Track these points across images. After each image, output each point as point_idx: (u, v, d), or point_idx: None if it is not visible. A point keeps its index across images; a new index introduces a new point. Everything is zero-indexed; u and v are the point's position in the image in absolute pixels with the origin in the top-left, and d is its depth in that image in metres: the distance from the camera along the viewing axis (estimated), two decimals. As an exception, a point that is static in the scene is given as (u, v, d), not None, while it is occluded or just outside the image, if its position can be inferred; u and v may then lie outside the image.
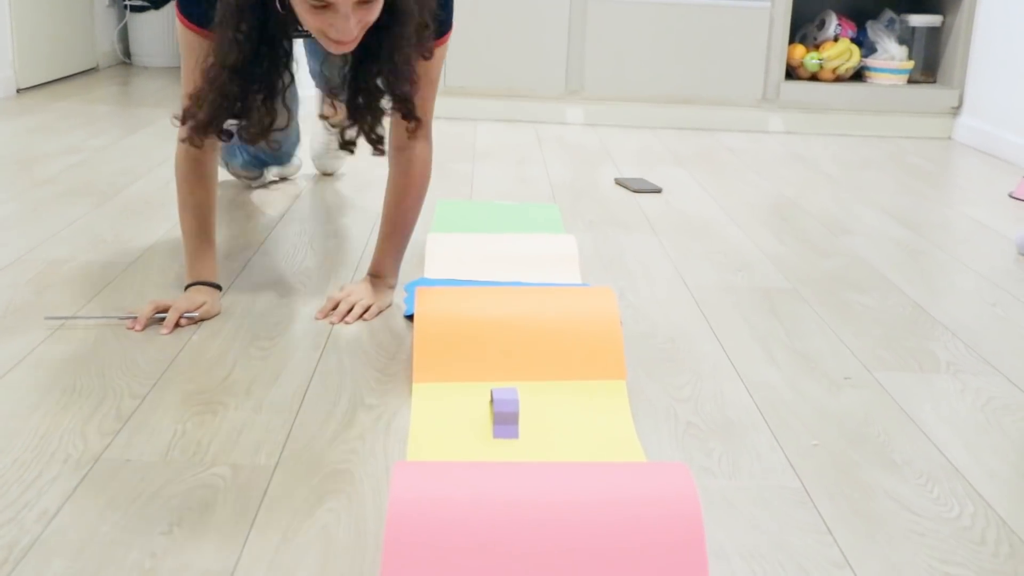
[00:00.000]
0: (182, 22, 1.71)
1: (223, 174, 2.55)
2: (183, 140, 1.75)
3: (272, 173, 2.80)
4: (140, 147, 3.29)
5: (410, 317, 1.83)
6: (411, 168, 1.89)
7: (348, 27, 1.54)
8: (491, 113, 4.18)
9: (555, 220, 2.54)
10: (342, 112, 1.83)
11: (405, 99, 1.74)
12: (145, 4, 5.22)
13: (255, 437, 1.38)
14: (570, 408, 1.48)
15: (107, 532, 1.15)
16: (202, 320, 1.78)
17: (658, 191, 3.00)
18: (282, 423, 1.43)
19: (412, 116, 1.78)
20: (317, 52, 2.33)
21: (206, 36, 1.67)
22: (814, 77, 4.25)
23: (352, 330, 1.78)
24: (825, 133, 4.21)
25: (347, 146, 1.83)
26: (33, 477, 1.26)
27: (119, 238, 2.28)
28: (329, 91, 2.22)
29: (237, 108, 1.69)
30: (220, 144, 1.85)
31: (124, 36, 5.36)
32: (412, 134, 1.83)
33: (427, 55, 1.74)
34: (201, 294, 1.81)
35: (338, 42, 1.57)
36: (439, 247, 2.12)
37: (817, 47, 4.22)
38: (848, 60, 4.17)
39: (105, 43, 5.16)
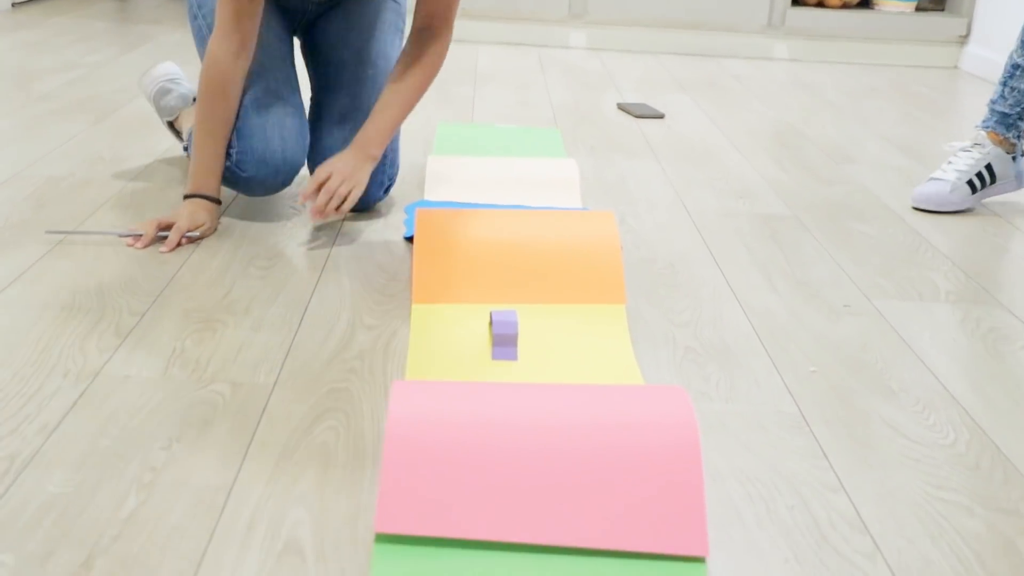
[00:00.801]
0: None
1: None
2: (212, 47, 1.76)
3: None
4: (138, 64, 3.25)
5: (410, 239, 1.82)
6: (428, 46, 1.84)
7: None
8: (493, 36, 4.13)
9: (556, 144, 2.52)
10: None
11: None
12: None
13: (254, 355, 1.39)
14: (569, 332, 1.48)
15: (107, 446, 1.15)
16: (201, 239, 1.77)
17: (660, 116, 2.97)
18: (281, 342, 1.43)
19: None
20: None
21: None
22: (821, 3, 4.19)
23: (351, 250, 1.77)
24: (830, 61, 4.17)
25: None
26: (33, 391, 1.26)
27: (117, 156, 2.26)
28: None
29: None
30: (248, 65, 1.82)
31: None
32: (436, 19, 1.82)
33: None
34: (201, 211, 1.79)
35: None
36: (440, 169, 2.10)
37: (825, -27, 4.17)
38: (856, -14, 4.12)
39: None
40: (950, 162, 2.22)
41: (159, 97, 2.17)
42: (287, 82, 1.88)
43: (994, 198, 2.30)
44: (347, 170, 1.77)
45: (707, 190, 2.27)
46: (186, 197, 1.81)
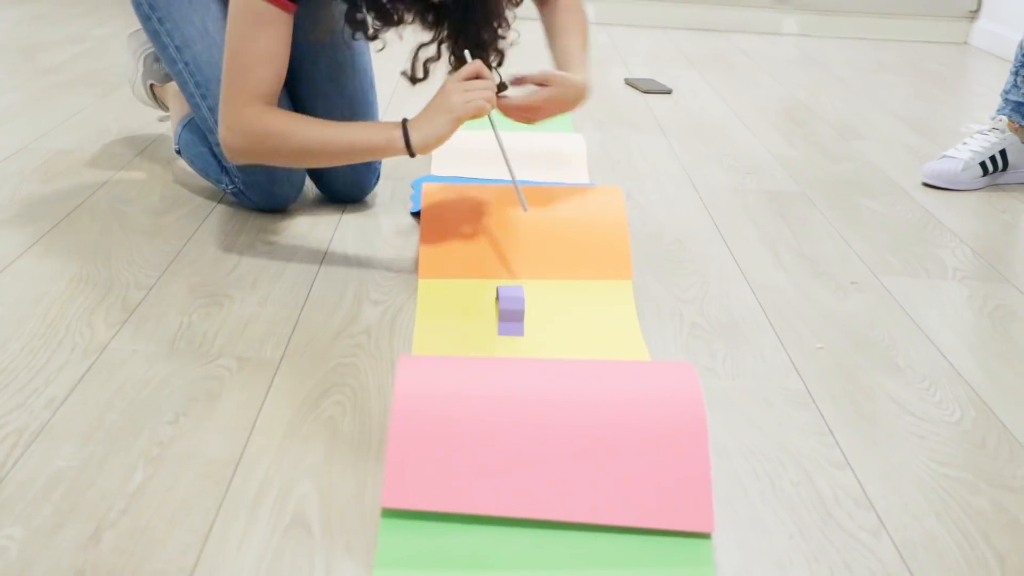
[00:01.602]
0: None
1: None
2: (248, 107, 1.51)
3: None
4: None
5: (416, 214, 1.81)
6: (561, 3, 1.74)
7: None
8: (501, 9, 4.11)
9: (564, 119, 2.51)
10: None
11: None
12: None
13: (261, 330, 1.39)
14: (576, 307, 1.48)
15: (114, 420, 1.15)
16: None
17: (668, 92, 2.96)
18: (287, 317, 1.43)
19: None
20: None
21: (290, 9, 1.48)
22: (831, -22, 4.16)
23: (358, 225, 1.77)
24: (840, 36, 4.14)
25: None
26: (41, 364, 1.26)
27: (124, 129, 2.26)
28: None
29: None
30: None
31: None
32: None
33: None
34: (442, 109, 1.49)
35: None
36: (446, 144, 2.09)
37: (835, -53, 4.13)
38: (866, -39, 4.08)
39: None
40: (965, 142, 2.21)
41: (152, 60, 2.11)
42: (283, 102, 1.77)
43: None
44: (569, 88, 1.59)
45: (715, 166, 2.26)
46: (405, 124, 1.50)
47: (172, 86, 2.03)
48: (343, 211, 1.83)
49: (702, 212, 1.95)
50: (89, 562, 0.93)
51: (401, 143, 1.46)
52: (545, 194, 1.64)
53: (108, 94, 2.55)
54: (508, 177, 1.51)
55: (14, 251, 1.59)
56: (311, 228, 1.75)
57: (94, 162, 2.03)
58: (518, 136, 2.16)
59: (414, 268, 1.60)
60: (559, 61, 1.68)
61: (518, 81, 1.58)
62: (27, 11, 3.60)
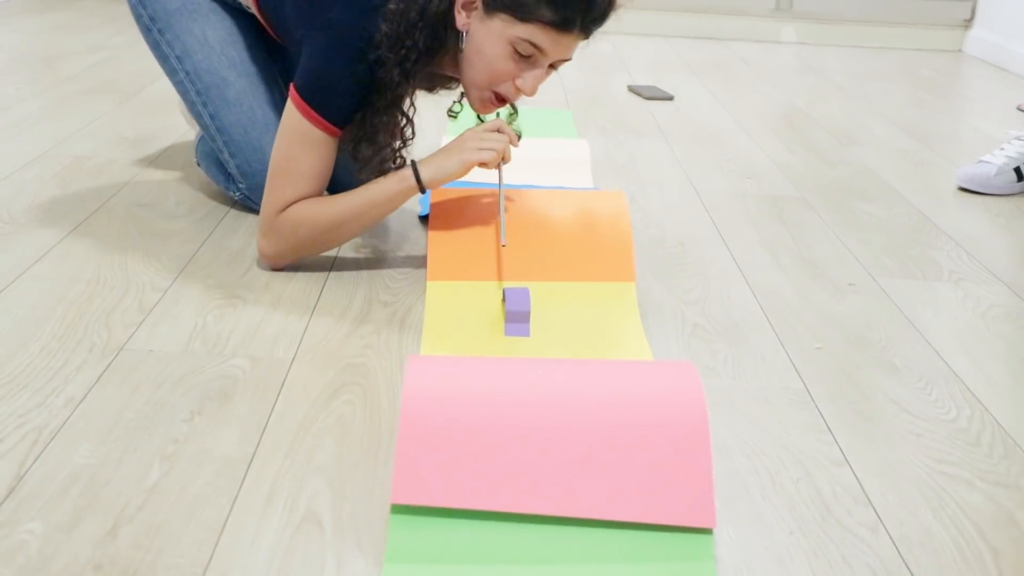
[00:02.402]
0: (320, 124, 1.48)
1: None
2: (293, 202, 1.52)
3: None
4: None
5: (425, 218, 1.81)
6: None
7: (540, 80, 1.47)
8: (507, 19, 4.10)
9: (569, 125, 2.51)
10: None
11: None
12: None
13: (273, 331, 1.39)
14: (580, 308, 1.48)
15: (131, 418, 1.15)
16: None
17: (670, 99, 2.95)
18: (299, 318, 1.43)
19: None
20: None
21: (336, 134, 1.51)
22: (828, -12, 4.15)
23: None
24: (837, 44, 4.14)
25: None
26: (60, 364, 1.26)
27: (140, 136, 2.26)
28: None
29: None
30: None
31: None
32: None
33: None
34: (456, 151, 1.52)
35: (517, 92, 1.47)
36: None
37: (832, -43, 4.12)
38: (863, -29, 4.07)
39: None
40: (1002, 148, 2.21)
41: None
42: (276, 107, 1.78)
43: None
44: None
45: (715, 171, 2.25)
46: (417, 169, 1.51)
47: None
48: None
49: (703, 216, 1.95)
50: (107, 556, 0.93)
51: (412, 180, 1.49)
52: (550, 198, 1.64)
53: (125, 102, 2.55)
54: (514, 181, 1.51)
55: (34, 255, 1.59)
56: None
57: (111, 168, 2.03)
58: (525, 142, 2.15)
59: (423, 270, 1.60)
60: None
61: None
62: (48, 22, 3.61)
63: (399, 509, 0.96)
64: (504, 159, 1.51)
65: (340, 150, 1.55)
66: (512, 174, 2.02)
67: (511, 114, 1.60)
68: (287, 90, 1.73)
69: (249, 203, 1.78)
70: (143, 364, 1.28)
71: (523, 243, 1.56)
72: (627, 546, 0.95)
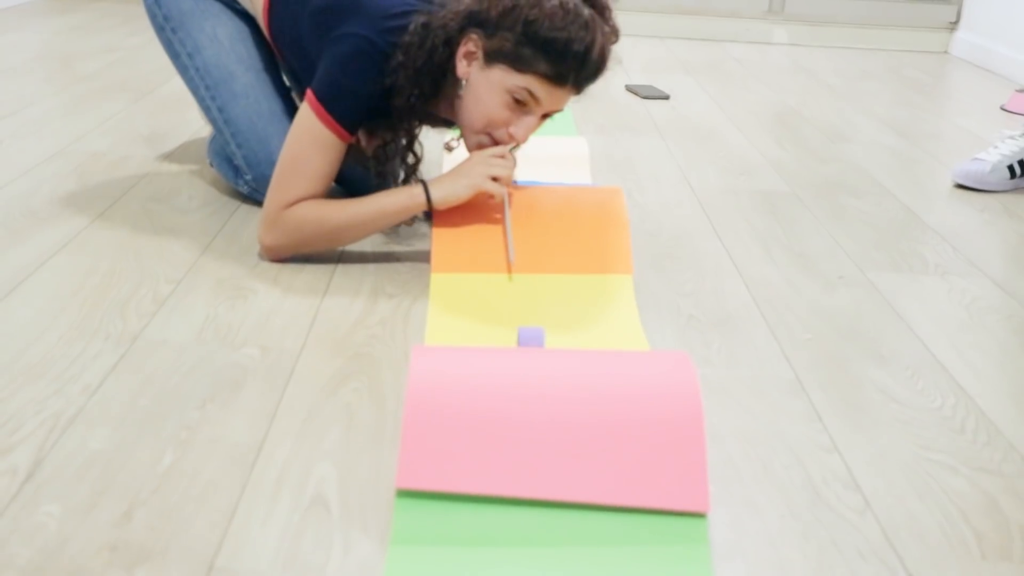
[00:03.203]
0: (333, 128, 1.50)
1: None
2: (299, 199, 1.52)
3: None
4: (174, 47, 3.24)
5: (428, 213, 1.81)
6: None
7: (532, 129, 1.49)
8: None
9: (568, 123, 2.50)
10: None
11: None
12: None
13: (282, 321, 1.38)
14: (579, 300, 1.48)
15: (145, 406, 1.15)
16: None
17: (666, 98, 2.95)
18: (307, 309, 1.43)
19: None
20: None
21: (347, 140, 1.53)
22: (819, -9, 4.14)
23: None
24: (828, 45, 4.13)
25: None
26: (77, 353, 1.26)
27: (155, 133, 2.26)
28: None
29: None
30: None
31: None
32: None
33: None
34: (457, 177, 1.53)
35: (511, 138, 1.49)
36: (457, 147, 2.09)
37: (823, -39, 4.11)
38: (852, -25, 4.06)
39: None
40: (996, 146, 2.21)
41: None
42: (282, 100, 1.80)
43: None
44: None
45: (710, 167, 2.25)
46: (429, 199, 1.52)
47: None
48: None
49: (698, 211, 1.95)
50: (122, 538, 0.93)
51: (422, 198, 1.51)
52: (551, 193, 1.63)
53: (139, 100, 2.55)
54: (515, 177, 1.51)
55: (52, 247, 1.59)
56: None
57: (126, 164, 2.03)
58: (525, 139, 2.15)
59: (427, 263, 1.60)
60: None
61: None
62: (65, 22, 3.60)
63: (404, 493, 0.96)
64: (507, 185, 1.53)
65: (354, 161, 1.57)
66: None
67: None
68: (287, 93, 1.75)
69: (256, 196, 1.78)
70: (157, 353, 1.28)
71: (524, 237, 1.56)
72: (624, 529, 0.95)
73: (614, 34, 1.49)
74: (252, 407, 1.16)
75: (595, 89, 1.55)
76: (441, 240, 1.55)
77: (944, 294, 1.62)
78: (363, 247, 1.66)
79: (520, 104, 1.46)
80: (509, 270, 1.53)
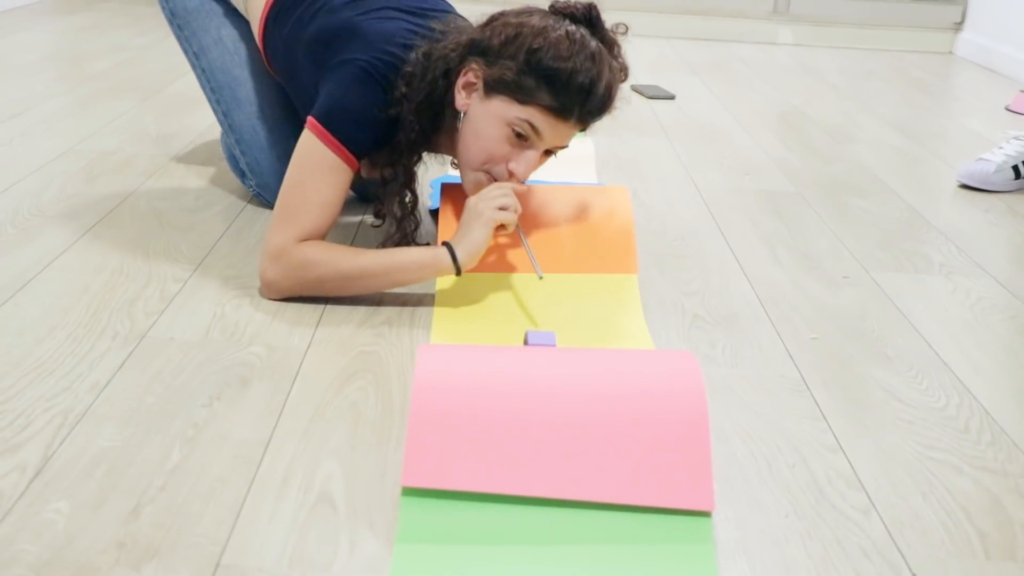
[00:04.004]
0: (339, 151, 1.42)
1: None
2: (301, 240, 1.41)
3: None
4: (182, 47, 3.24)
5: (435, 211, 1.81)
6: None
7: (533, 166, 1.42)
8: (514, 21, 4.09)
9: (573, 123, 2.50)
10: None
11: None
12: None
13: (289, 320, 1.38)
14: (585, 299, 1.47)
15: (153, 403, 1.15)
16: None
17: (671, 98, 2.95)
18: (314, 308, 1.43)
19: None
20: None
21: (354, 166, 1.44)
22: (824, -9, 4.13)
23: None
24: (832, 46, 4.12)
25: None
26: (85, 351, 1.27)
27: (162, 132, 2.26)
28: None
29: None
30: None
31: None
32: None
33: None
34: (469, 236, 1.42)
35: (510, 175, 1.42)
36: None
37: (828, -38, 4.10)
38: (857, -25, 4.05)
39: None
40: (1001, 147, 2.20)
41: None
42: (286, 106, 1.78)
43: None
44: None
45: (715, 167, 2.25)
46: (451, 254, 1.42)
47: None
48: (365, 209, 1.83)
49: (703, 210, 1.95)
50: (129, 535, 0.93)
51: (448, 260, 1.39)
52: (557, 193, 1.63)
53: (147, 99, 2.55)
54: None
55: (60, 246, 1.59)
56: (335, 229, 1.74)
57: (134, 163, 2.03)
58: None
59: (433, 262, 1.59)
60: None
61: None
62: (74, 23, 3.61)
63: (409, 491, 0.96)
64: (517, 211, 1.42)
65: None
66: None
67: None
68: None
69: (262, 198, 1.79)
70: (164, 351, 1.28)
71: (531, 236, 1.56)
72: (629, 528, 0.95)
73: (623, 71, 1.42)
74: (259, 405, 1.16)
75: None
76: (446, 239, 1.55)
77: (948, 294, 1.61)
78: (369, 245, 1.65)
79: (521, 139, 1.38)
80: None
